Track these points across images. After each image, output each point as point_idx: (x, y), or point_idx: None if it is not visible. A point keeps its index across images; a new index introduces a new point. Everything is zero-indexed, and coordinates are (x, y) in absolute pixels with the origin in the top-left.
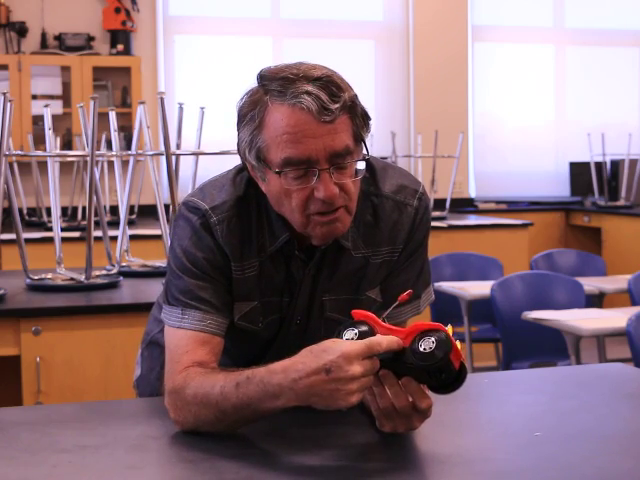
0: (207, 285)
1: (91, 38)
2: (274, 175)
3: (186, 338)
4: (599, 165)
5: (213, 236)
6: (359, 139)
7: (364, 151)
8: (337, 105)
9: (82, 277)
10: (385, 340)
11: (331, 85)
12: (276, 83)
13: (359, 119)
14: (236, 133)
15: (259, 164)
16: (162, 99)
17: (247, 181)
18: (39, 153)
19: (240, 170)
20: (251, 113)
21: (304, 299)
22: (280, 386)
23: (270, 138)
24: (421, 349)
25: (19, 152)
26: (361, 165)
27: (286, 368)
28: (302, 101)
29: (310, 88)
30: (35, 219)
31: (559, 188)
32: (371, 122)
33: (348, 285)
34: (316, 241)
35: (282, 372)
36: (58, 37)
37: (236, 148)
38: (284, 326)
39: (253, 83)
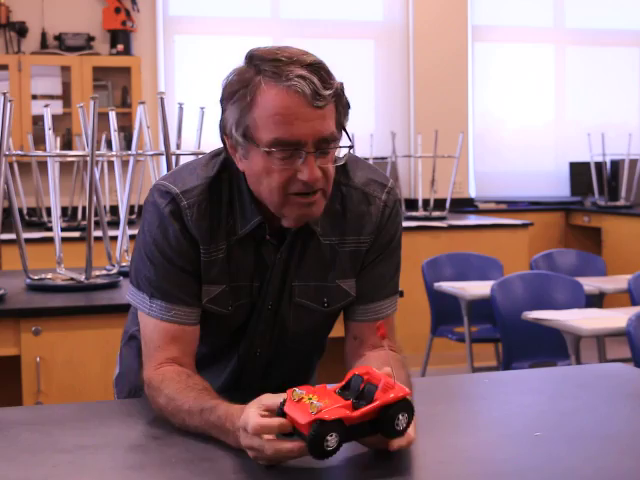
0: (174, 276)
1: (91, 38)
2: (260, 153)
3: (157, 331)
4: (599, 165)
5: (182, 221)
6: (340, 127)
7: (346, 140)
8: (329, 92)
9: (82, 277)
10: (260, 424)
11: (322, 71)
12: (269, 64)
13: (343, 108)
14: (219, 110)
15: (245, 141)
16: (162, 99)
17: (220, 164)
18: (39, 153)
19: (215, 155)
20: (242, 91)
21: (275, 284)
22: (227, 430)
23: (261, 117)
24: (397, 427)
25: (19, 152)
26: (342, 152)
27: (233, 415)
28: (296, 84)
29: (304, 72)
30: (35, 219)
31: (559, 188)
32: (350, 112)
33: (317, 272)
34: (289, 222)
35: (230, 419)
36: (58, 37)
37: (218, 125)
38: (255, 311)
39: (240, 62)
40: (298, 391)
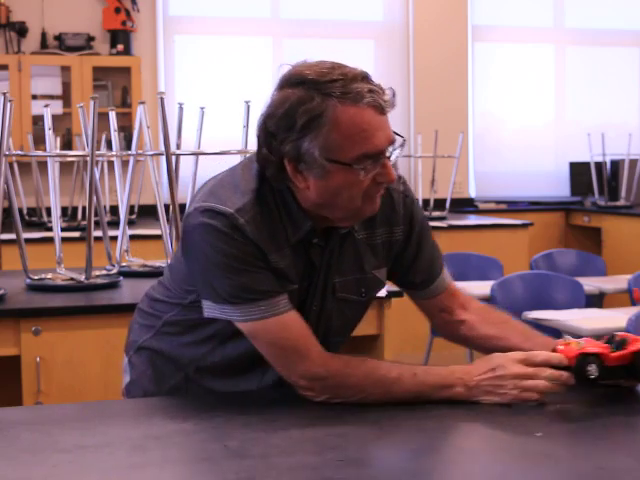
0: (259, 276)
1: (91, 38)
2: (343, 170)
3: (283, 328)
4: (599, 165)
5: (245, 236)
6: None
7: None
8: (388, 97)
9: (82, 277)
10: (543, 355)
11: (371, 80)
12: (334, 86)
13: None
14: (277, 140)
15: (327, 163)
16: (162, 99)
17: (259, 176)
18: (39, 153)
19: (245, 167)
20: (318, 120)
21: (320, 284)
22: (456, 378)
23: (343, 137)
24: None
25: (19, 152)
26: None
27: (462, 368)
28: (369, 100)
29: (368, 86)
30: (35, 219)
31: (559, 188)
32: None
33: (354, 265)
34: (348, 223)
35: (459, 369)
36: (58, 37)
37: (272, 152)
38: (303, 312)
39: (290, 93)
40: (568, 338)
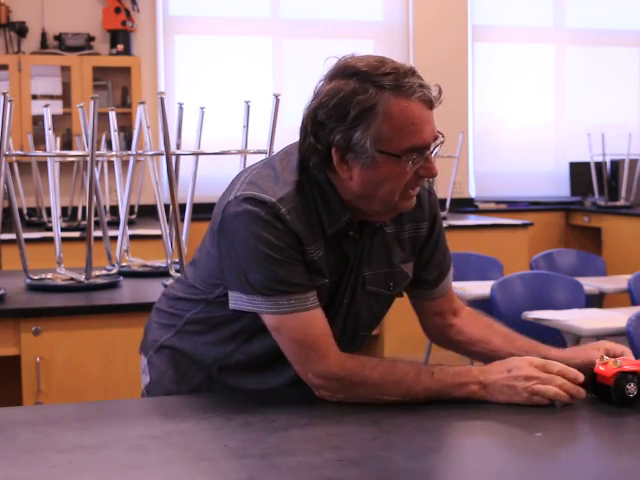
0: (295, 269)
1: (91, 38)
2: (391, 161)
3: (307, 320)
4: (599, 165)
5: (286, 225)
6: None
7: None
8: (437, 93)
9: (82, 277)
10: (560, 366)
11: (420, 75)
12: (387, 79)
13: None
14: (328, 129)
15: (376, 153)
16: (162, 99)
17: (300, 167)
18: (39, 153)
19: (284, 159)
20: (371, 111)
21: (351, 277)
22: (473, 377)
23: (394, 129)
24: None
25: (19, 152)
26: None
27: (479, 368)
28: (420, 94)
29: (419, 81)
30: (35, 219)
31: (559, 188)
32: None
33: (383, 259)
34: (383, 217)
35: (476, 369)
36: (58, 37)
37: (319, 141)
38: (333, 305)
39: (342, 84)
40: (605, 357)
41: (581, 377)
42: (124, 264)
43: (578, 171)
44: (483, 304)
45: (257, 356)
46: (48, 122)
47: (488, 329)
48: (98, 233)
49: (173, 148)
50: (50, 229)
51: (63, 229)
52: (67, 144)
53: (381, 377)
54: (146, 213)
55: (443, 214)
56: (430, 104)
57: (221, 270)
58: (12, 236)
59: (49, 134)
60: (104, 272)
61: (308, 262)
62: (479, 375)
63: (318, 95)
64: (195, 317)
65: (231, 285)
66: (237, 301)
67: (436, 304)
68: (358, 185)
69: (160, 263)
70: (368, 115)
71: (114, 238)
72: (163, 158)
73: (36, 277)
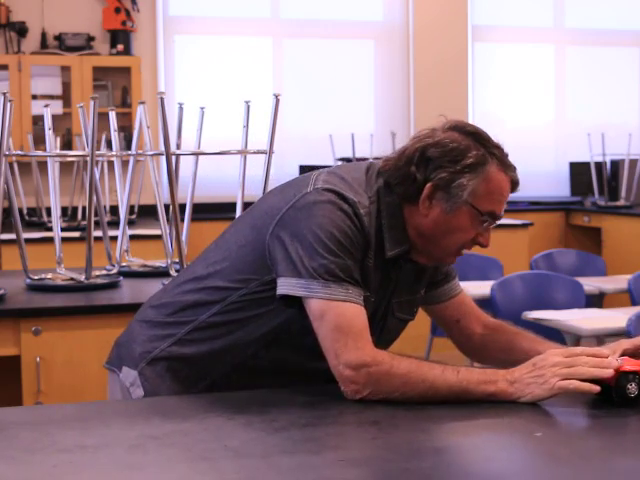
0: (357, 265)
1: (91, 38)
2: (470, 215)
3: (356, 315)
4: (599, 165)
5: (362, 223)
6: None
7: None
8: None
9: (82, 277)
10: (581, 348)
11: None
12: (496, 151)
13: None
14: (446, 171)
15: (465, 203)
16: (162, 99)
17: (378, 187)
18: (39, 153)
19: (367, 173)
20: (480, 168)
21: (387, 301)
22: (499, 374)
23: (487, 191)
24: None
25: (19, 152)
26: None
27: (504, 369)
28: (512, 174)
29: (511, 164)
30: (35, 219)
31: (559, 188)
32: None
33: (410, 288)
34: (428, 262)
35: (501, 369)
36: (58, 37)
37: (419, 172)
38: (371, 326)
39: (460, 137)
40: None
41: (604, 352)
42: (124, 264)
43: (578, 171)
44: (483, 304)
45: (262, 370)
46: (48, 122)
47: (518, 335)
48: (98, 233)
49: (173, 148)
50: (50, 229)
51: (63, 229)
52: (67, 144)
53: (407, 369)
54: (146, 213)
55: None
56: (515, 186)
57: (261, 263)
58: (12, 236)
59: (49, 134)
60: (104, 272)
61: (363, 267)
62: (506, 374)
63: (433, 136)
64: (208, 321)
65: (285, 271)
66: (286, 286)
67: (453, 308)
68: (430, 224)
69: (160, 263)
70: (478, 169)
71: (114, 238)
72: (163, 158)
73: (36, 277)
